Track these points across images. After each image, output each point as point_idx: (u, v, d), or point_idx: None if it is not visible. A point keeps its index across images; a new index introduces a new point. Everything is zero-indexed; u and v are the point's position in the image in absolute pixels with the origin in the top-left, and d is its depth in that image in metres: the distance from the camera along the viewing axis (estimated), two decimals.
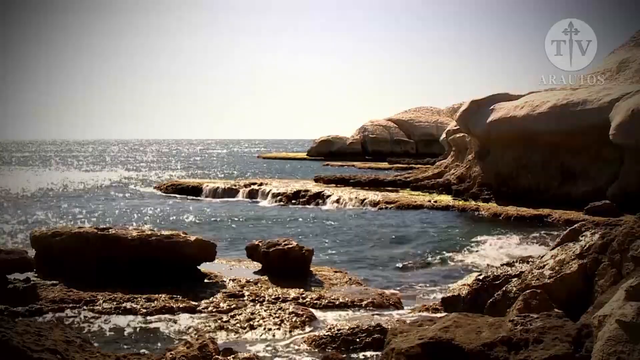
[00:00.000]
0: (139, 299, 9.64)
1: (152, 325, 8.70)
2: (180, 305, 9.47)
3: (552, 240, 13.66)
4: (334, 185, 31.10)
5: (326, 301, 9.87)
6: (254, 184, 31.46)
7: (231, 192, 30.28)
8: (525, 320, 4.77)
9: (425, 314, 8.91)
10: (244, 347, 7.43)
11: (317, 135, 73.95)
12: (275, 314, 8.93)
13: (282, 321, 8.65)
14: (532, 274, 7.16)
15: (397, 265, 13.61)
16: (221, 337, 7.99)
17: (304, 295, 10.12)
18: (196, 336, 7.04)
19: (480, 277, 8.68)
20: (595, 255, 6.25)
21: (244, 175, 45.04)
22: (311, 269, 11.73)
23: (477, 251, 15.05)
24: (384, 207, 23.57)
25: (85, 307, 9.28)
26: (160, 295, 9.85)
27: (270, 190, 29.34)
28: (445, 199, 24.83)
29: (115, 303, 9.45)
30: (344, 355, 6.86)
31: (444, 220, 20.53)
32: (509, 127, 24.03)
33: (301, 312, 8.90)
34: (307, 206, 25.81)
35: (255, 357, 6.04)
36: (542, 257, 7.52)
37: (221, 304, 9.61)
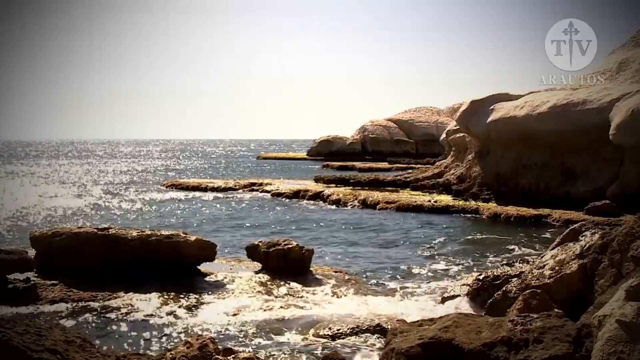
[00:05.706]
0: (139, 298, 9.64)
1: (152, 325, 8.70)
2: (181, 305, 9.47)
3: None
4: (334, 185, 31.08)
5: (326, 301, 9.87)
6: (254, 184, 31.48)
7: (231, 192, 30.31)
8: (525, 320, 4.77)
9: (425, 314, 8.90)
10: (244, 347, 7.43)
11: (317, 135, 73.94)
12: (275, 313, 8.92)
13: (282, 321, 8.65)
14: (532, 274, 7.17)
15: (398, 265, 13.60)
16: (221, 337, 7.99)
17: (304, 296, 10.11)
18: (196, 336, 7.03)
19: (480, 277, 8.70)
20: (595, 255, 6.26)
21: (244, 175, 45.02)
22: (311, 268, 11.73)
23: (480, 252, 15.04)
24: (384, 207, 23.56)
25: (85, 307, 9.28)
26: (160, 295, 9.85)
27: (271, 190, 29.35)
28: (445, 199, 24.81)
29: (115, 303, 9.45)
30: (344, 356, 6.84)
31: (446, 223, 20.50)
32: (509, 127, 24.03)
33: (301, 312, 8.91)
34: (308, 206, 25.79)
35: (255, 357, 6.03)
36: (542, 257, 7.53)
37: (221, 304, 9.61)
